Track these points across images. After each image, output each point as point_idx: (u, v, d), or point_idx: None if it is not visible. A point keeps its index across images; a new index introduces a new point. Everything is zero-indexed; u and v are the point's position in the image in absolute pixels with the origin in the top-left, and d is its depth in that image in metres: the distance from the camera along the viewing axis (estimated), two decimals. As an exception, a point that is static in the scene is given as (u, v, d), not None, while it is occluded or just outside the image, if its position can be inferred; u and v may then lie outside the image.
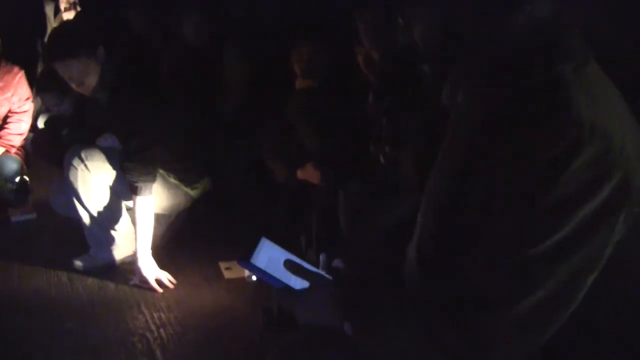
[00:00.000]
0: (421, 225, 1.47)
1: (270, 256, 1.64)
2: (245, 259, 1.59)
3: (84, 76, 3.27)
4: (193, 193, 3.66)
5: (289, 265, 1.55)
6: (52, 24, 5.52)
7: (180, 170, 3.57)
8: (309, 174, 3.19)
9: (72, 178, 3.39)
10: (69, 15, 5.17)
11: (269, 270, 1.58)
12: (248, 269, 1.62)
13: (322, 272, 1.67)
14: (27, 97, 4.59)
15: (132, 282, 3.36)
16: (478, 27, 1.33)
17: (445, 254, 1.38)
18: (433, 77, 1.48)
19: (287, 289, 1.56)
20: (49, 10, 5.58)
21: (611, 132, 1.23)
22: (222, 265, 3.46)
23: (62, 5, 5.25)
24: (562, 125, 1.20)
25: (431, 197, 1.44)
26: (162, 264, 3.39)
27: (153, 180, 3.32)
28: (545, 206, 1.21)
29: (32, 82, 4.75)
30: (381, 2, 2.66)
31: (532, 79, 1.27)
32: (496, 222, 1.26)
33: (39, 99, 4.68)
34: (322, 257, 1.86)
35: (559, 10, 1.34)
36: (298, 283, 1.56)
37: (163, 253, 3.51)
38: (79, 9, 5.23)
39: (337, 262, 1.87)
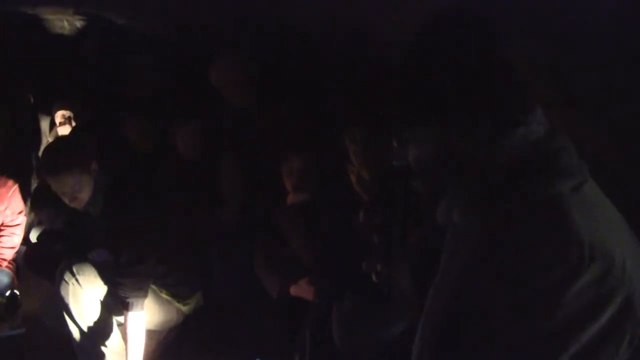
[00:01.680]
0: (419, 348, 1.45)
1: None
2: None
3: (77, 191, 3.31)
4: (185, 309, 3.64)
5: None
6: (47, 137, 5.60)
7: (173, 285, 3.56)
8: (302, 290, 3.17)
9: (63, 292, 3.36)
10: (63, 130, 5.24)
11: None
12: None
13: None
14: (20, 210, 4.60)
15: (121, 401, 3.29)
16: (473, 149, 1.35)
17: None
18: (428, 197, 1.49)
19: None
20: (44, 124, 5.67)
21: (612, 252, 1.22)
22: (215, 382, 3.39)
23: (57, 120, 5.32)
24: (563, 248, 1.20)
25: (428, 320, 1.43)
26: (153, 381, 3.32)
27: (145, 296, 3.30)
28: (546, 331, 1.20)
29: (26, 195, 4.77)
30: (371, 121, 2.71)
31: (530, 199, 1.27)
32: (496, 347, 1.25)
33: (32, 213, 4.68)
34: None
35: (554, 130, 1.36)
36: None
37: (154, 370, 3.45)
38: (74, 123, 5.30)
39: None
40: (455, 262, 1.38)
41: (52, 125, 5.52)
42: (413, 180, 1.49)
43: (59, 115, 5.32)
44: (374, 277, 2.63)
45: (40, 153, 5.26)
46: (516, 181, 1.30)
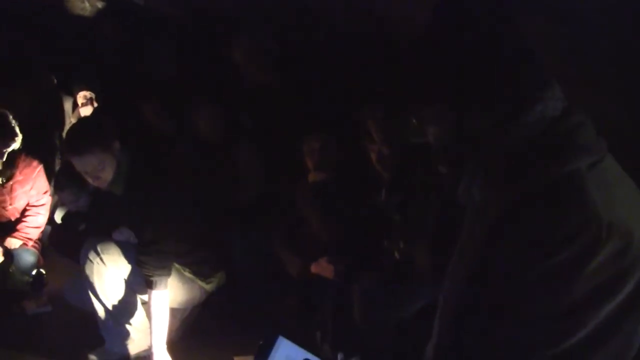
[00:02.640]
0: (439, 324, 1.46)
1: (287, 355, 1.64)
2: (262, 358, 1.59)
3: (100, 170, 3.32)
4: (208, 287, 3.67)
5: None
6: (70, 118, 5.64)
7: (196, 263, 3.59)
8: (323, 268, 3.18)
9: (87, 271, 3.40)
10: (85, 111, 5.28)
11: None
12: None
13: (341, 371, 1.67)
14: (45, 190, 4.67)
15: (147, 377, 3.33)
16: (491, 126, 1.34)
17: (464, 354, 1.36)
18: (448, 174, 1.48)
19: None
20: (67, 105, 5.71)
21: (631, 228, 1.22)
22: (237, 359, 3.41)
23: (80, 101, 5.37)
24: (580, 224, 1.19)
25: (447, 299, 1.44)
26: (177, 358, 3.37)
27: (168, 274, 3.34)
28: (566, 306, 1.20)
29: (51, 175, 4.83)
30: (392, 99, 2.71)
31: (548, 176, 1.26)
32: (515, 324, 1.25)
33: (55, 195, 4.74)
34: (339, 356, 1.86)
35: (571, 107, 1.34)
36: None
37: (178, 347, 3.49)
38: (95, 104, 5.33)
39: (355, 360, 1.87)
40: (474, 239, 1.38)
41: (75, 106, 5.56)
42: (434, 158, 1.49)
43: (81, 96, 5.37)
44: (396, 255, 2.65)
45: (64, 134, 5.30)
46: (533, 158, 1.30)
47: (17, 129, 4.45)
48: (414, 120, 1.49)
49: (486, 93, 1.34)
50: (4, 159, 4.44)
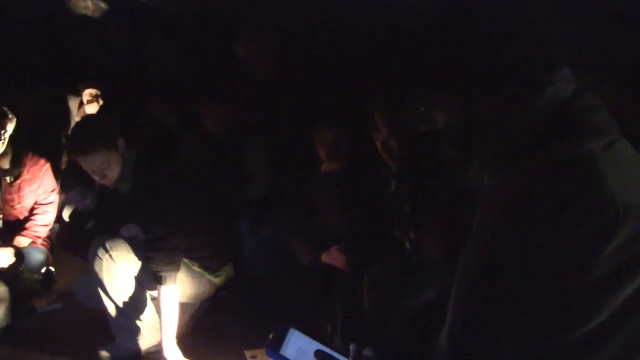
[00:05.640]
0: (452, 313, 1.45)
1: (299, 347, 1.63)
2: (274, 349, 1.59)
3: (106, 169, 3.34)
4: (217, 280, 3.67)
5: (320, 356, 1.54)
6: (75, 116, 5.66)
7: (204, 258, 3.60)
8: (333, 258, 3.18)
9: (97, 268, 3.41)
10: (91, 108, 5.30)
11: None
12: None
13: (353, 363, 1.67)
14: (52, 188, 4.68)
15: (157, 372, 3.34)
16: (502, 110, 1.34)
17: (479, 341, 1.35)
18: (457, 160, 1.48)
19: None
20: (73, 103, 5.72)
21: None
22: (248, 353, 3.41)
23: (85, 98, 5.38)
24: (596, 207, 1.18)
25: (461, 283, 1.42)
26: (187, 352, 3.37)
27: (177, 269, 3.34)
28: (583, 290, 1.19)
29: (58, 173, 4.84)
30: (397, 89, 2.70)
31: (561, 159, 1.25)
32: (531, 308, 1.24)
33: (62, 194, 4.75)
34: (351, 347, 1.86)
35: (582, 89, 1.34)
36: None
37: (188, 342, 3.49)
38: (101, 101, 5.34)
39: (367, 352, 1.86)
40: (486, 224, 1.37)
41: (80, 104, 5.57)
42: (443, 144, 1.49)
43: (87, 94, 5.39)
44: (407, 244, 2.65)
45: (69, 132, 5.31)
46: (545, 141, 1.29)
47: (10, 113, 4.41)
48: (422, 107, 1.49)
49: (496, 77, 1.33)
50: (5, 145, 4.42)
